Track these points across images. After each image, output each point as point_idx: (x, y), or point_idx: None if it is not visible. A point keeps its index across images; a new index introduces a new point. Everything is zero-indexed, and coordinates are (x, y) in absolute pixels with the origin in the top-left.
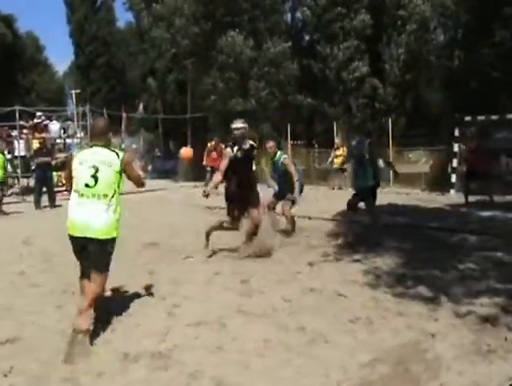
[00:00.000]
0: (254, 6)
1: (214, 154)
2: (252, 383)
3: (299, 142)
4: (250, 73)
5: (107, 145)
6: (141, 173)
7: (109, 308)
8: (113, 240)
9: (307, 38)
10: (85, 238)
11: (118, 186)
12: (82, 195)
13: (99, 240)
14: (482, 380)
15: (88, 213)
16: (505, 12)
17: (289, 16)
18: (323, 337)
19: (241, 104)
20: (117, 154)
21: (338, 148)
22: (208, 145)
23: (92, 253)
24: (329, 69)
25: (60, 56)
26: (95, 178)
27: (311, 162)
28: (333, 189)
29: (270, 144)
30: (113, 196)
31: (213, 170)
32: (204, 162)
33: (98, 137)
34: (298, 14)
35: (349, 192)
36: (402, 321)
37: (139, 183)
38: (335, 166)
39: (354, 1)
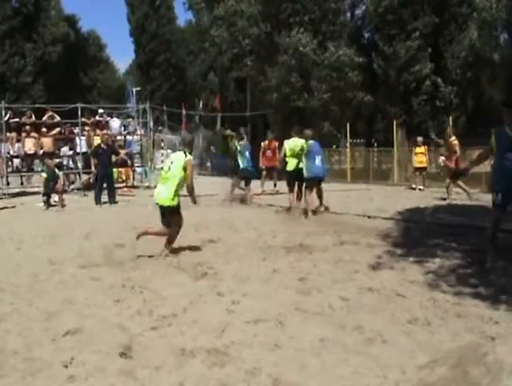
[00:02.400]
0: (318, 6)
1: (269, 153)
2: (309, 381)
3: (358, 141)
4: (312, 74)
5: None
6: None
7: (166, 303)
8: (171, 206)
9: (367, 36)
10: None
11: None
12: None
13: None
14: None
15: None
16: None
17: (348, 15)
18: (380, 337)
19: (302, 103)
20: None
21: (419, 146)
22: (262, 144)
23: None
24: (392, 68)
25: (122, 55)
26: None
27: (371, 160)
28: (414, 189)
29: None
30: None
31: (268, 171)
32: (260, 163)
33: (185, 146)
34: (357, 12)
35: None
36: (461, 323)
37: (188, 183)
38: (416, 164)
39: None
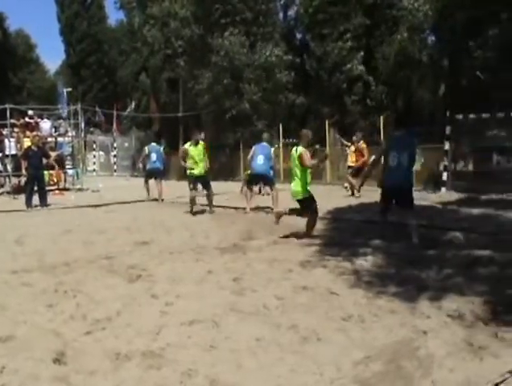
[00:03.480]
0: (249, 7)
1: None
2: (245, 381)
3: (290, 140)
4: (243, 75)
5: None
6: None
7: (100, 307)
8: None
9: (299, 36)
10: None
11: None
12: None
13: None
14: (474, 377)
15: None
16: (495, 12)
17: (281, 15)
18: (315, 335)
19: (234, 105)
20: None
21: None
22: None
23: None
24: (323, 69)
25: (52, 55)
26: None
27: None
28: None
29: None
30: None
31: None
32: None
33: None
34: (290, 13)
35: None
36: (394, 318)
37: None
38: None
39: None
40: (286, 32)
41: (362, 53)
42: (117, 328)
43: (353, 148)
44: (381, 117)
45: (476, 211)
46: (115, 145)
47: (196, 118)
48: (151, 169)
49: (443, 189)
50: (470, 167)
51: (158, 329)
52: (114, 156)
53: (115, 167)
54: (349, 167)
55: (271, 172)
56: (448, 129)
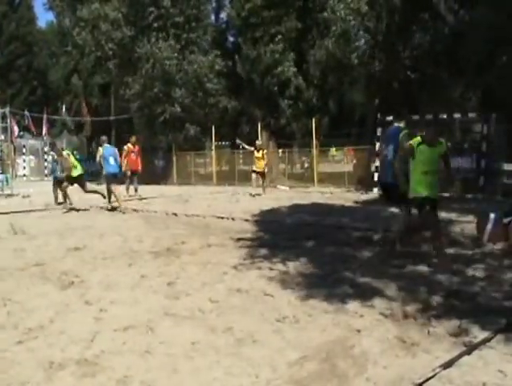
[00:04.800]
0: (181, 12)
1: (133, 156)
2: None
3: (224, 143)
4: (175, 80)
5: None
6: None
7: (32, 315)
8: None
9: (231, 39)
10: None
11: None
12: None
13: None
14: (407, 373)
15: None
16: (422, 16)
17: (213, 18)
18: (251, 337)
19: (166, 109)
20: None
21: (258, 150)
22: (125, 147)
23: None
24: (256, 72)
25: None
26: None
27: (236, 162)
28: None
29: None
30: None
31: (133, 174)
32: (124, 168)
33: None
34: (222, 16)
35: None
36: (328, 318)
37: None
38: (255, 168)
39: (279, 3)
40: (218, 36)
41: (294, 56)
42: (51, 336)
43: (257, 153)
44: (313, 120)
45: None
46: (46, 149)
47: (128, 122)
48: (113, 172)
49: (375, 189)
50: None
51: (92, 336)
52: (45, 160)
53: (46, 172)
54: (253, 171)
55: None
56: (378, 131)
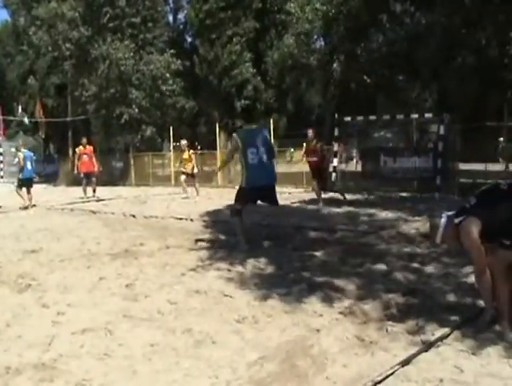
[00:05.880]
0: (137, 12)
1: (86, 158)
2: None
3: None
4: (131, 80)
5: None
6: None
7: None
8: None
9: (189, 40)
10: None
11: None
12: None
13: None
14: (366, 371)
15: None
16: (379, 18)
17: (171, 17)
18: (210, 338)
19: (123, 111)
20: None
21: (183, 151)
22: (77, 150)
23: None
24: (213, 73)
25: None
26: None
27: (195, 163)
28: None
29: None
30: None
31: (87, 176)
32: (76, 171)
33: None
34: (179, 16)
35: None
36: (287, 318)
37: None
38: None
39: (237, 5)
40: (176, 36)
41: (252, 57)
42: (7, 341)
43: (186, 154)
44: (271, 120)
45: (341, 210)
46: (1, 150)
47: (85, 123)
48: (29, 178)
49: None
50: (359, 168)
51: (49, 339)
52: (0, 162)
53: (1, 174)
54: (183, 173)
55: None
56: (336, 131)
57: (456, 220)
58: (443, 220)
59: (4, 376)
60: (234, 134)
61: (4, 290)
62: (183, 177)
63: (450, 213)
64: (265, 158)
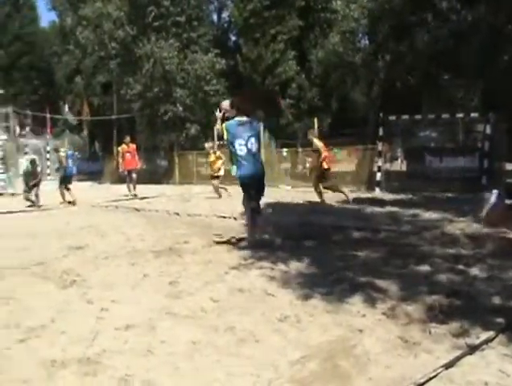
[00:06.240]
0: (182, 10)
1: (128, 156)
2: (182, 385)
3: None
4: (176, 79)
5: None
6: None
7: (34, 314)
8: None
9: (233, 38)
10: None
11: None
12: None
13: None
14: (409, 373)
15: None
16: (424, 16)
17: (215, 16)
18: (252, 336)
19: (167, 109)
20: None
21: (209, 154)
22: (120, 148)
23: None
24: (257, 73)
25: None
26: None
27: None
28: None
29: None
30: None
31: (130, 173)
32: (121, 168)
33: None
34: (224, 15)
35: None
36: (330, 318)
37: None
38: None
39: (281, 3)
40: (220, 35)
41: (296, 55)
42: (52, 335)
43: (212, 157)
44: (315, 119)
45: (385, 210)
46: (48, 148)
47: (130, 121)
48: (70, 175)
49: (377, 189)
50: (403, 167)
51: (93, 335)
52: (47, 159)
53: (48, 171)
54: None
55: None
56: (380, 130)
57: (509, 201)
58: (493, 196)
59: (49, 370)
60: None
61: (49, 286)
62: (214, 181)
63: (502, 192)
64: (254, 149)
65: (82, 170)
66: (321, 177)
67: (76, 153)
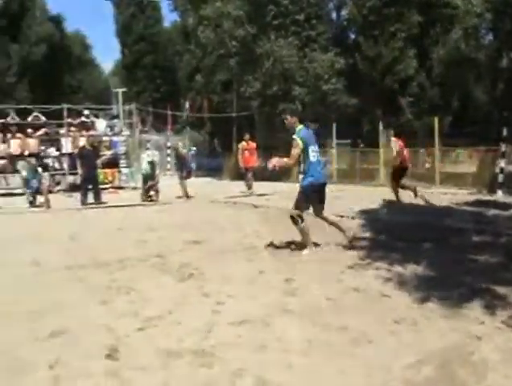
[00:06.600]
0: (301, 9)
1: (247, 154)
2: (295, 382)
3: (343, 142)
4: (295, 78)
5: None
6: None
7: (152, 304)
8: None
9: (352, 36)
10: None
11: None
12: None
13: None
14: None
15: None
16: None
17: (334, 15)
18: (366, 337)
19: (286, 107)
20: None
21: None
22: (239, 145)
23: None
24: (376, 71)
25: (105, 55)
26: None
27: (357, 161)
28: None
29: None
30: None
31: (247, 171)
32: (241, 164)
33: None
34: (343, 13)
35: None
36: (447, 323)
37: None
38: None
39: (400, 0)
40: (339, 33)
41: (416, 53)
42: (169, 326)
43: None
44: (436, 119)
45: (508, 213)
46: (168, 144)
47: (249, 119)
48: (189, 170)
49: (500, 192)
50: None
51: (209, 327)
52: (167, 155)
53: (168, 166)
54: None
55: None
56: (504, 131)
57: None
58: None
59: (165, 358)
60: (294, 135)
61: (167, 279)
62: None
63: None
64: (319, 156)
65: (202, 166)
66: (398, 176)
67: (195, 149)
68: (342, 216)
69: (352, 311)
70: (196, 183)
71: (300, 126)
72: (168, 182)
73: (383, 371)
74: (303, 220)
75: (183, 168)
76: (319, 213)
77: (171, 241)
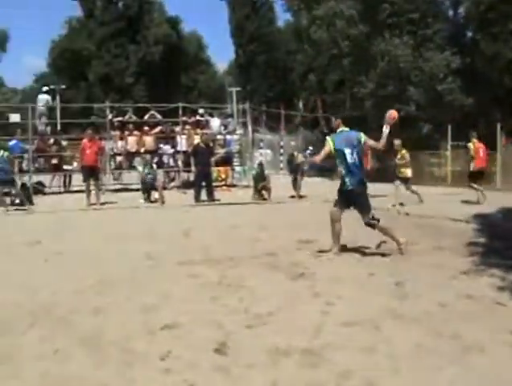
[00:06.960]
0: (416, 7)
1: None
2: None
3: (459, 144)
4: (410, 77)
5: None
6: None
7: (262, 302)
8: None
9: (469, 34)
10: None
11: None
12: None
13: None
14: None
15: None
16: None
17: (451, 13)
18: (479, 346)
19: (400, 108)
20: None
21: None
22: None
23: None
24: (494, 70)
25: (220, 55)
26: None
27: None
28: None
29: None
30: None
31: None
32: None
33: None
34: (460, 10)
35: None
36: None
37: None
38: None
39: None
40: (455, 31)
41: None
42: (278, 324)
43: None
44: None
45: None
46: (282, 143)
47: (362, 119)
48: (302, 170)
49: None
50: None
51: (317, 328)
52: (281, 154)
53: (281, 166)
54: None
55: None
56: None
57: None
58: None
59: (273, 356)
60: (327, 137)
61: (278, 276)
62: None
63: None
64: (357, 160)
65: (314, 166)
66: (475, 178)
67: (311, 149)
68: (457, 220)
69: (464, 318)
70: (308, 183)
71: (341, 129)
72: (281, 181)
73: (495, 383)
74: (378, 220)
75: (297, 171)
76: (362, 218)
77: (283, 240)
